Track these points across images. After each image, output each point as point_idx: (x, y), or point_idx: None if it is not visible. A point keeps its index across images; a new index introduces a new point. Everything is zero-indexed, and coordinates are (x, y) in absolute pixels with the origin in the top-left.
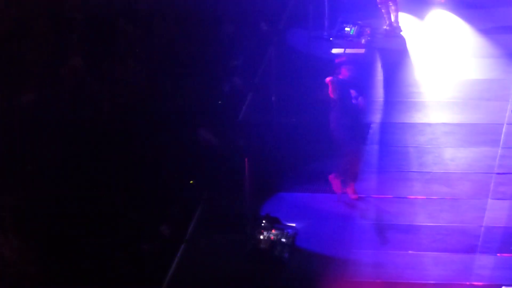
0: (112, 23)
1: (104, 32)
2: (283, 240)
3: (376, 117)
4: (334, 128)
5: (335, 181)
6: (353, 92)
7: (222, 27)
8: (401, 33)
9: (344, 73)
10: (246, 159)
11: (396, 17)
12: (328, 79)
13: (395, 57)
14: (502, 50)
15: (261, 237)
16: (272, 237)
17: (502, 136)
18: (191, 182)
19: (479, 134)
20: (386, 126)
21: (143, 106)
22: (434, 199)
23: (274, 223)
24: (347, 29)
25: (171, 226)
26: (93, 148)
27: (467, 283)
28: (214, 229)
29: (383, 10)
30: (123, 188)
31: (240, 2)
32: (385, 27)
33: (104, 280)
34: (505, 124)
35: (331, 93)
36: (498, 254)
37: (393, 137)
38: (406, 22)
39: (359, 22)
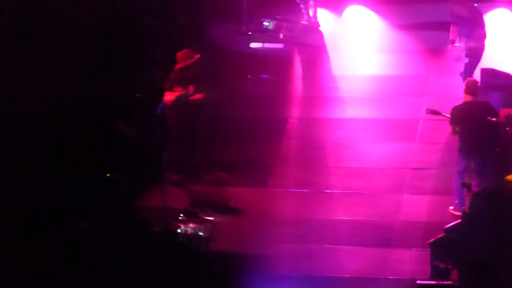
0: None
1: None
2: (201, 233)
3: (294, 112)
4: None
5: None
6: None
7: (140, 20)
8: (319, 28)
9: None
10: (163, 153)
11: (315, 12)
12: None
13: (313, 52)
14: (419, 46)
15: (179, 230)
16: (189, 230)
17: (418, 131)
18: (108, 175)
19: (395, 129)
20: (304, 121)
21: (57, 98)
22: (351, 193)
23: (192, 216)
24: (265, 23)
25: (86, 220)
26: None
27: (383, 277)
28: (131, 222)
29: (301, 5)
30: (35, 181)
31: None
32: (303, 22)
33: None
34: (420, 120)
35: None
36: (413, 249)
37: (311, 132)
38: (324, 17)
39: (278, 17)
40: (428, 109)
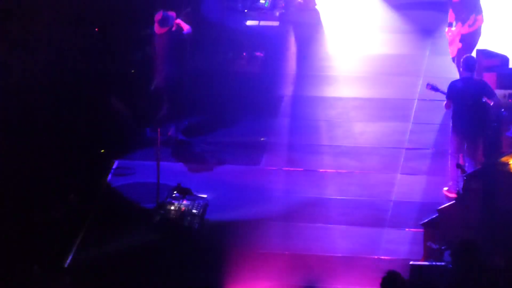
0: None
1: None
2: (194, 211)
3: (288, 90)
4: None
5: None
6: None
7: None
8: (315, 6)
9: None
10: (158, 129)
11: None
12: None
13: (308, 30)
14: (413, 26)
15: (172, 207)
16: (183, 208)
17: (413, 111)
18: (102, 151)
19: (390, 109)
20: (298, 100)
21: (51, 73)
22: (344, 172)
23: (186, 193)
24: (261, 1)
25: (78, 196)
26: None
27: (375, 257)
28: (124, 199)
29: None
30: (30, 155)
31: None
32: (299, 0)
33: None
34: (416, 100)
35: None
36: (406, 229)
37: (304, 111)
38: None
39: None
40: (428, 84)
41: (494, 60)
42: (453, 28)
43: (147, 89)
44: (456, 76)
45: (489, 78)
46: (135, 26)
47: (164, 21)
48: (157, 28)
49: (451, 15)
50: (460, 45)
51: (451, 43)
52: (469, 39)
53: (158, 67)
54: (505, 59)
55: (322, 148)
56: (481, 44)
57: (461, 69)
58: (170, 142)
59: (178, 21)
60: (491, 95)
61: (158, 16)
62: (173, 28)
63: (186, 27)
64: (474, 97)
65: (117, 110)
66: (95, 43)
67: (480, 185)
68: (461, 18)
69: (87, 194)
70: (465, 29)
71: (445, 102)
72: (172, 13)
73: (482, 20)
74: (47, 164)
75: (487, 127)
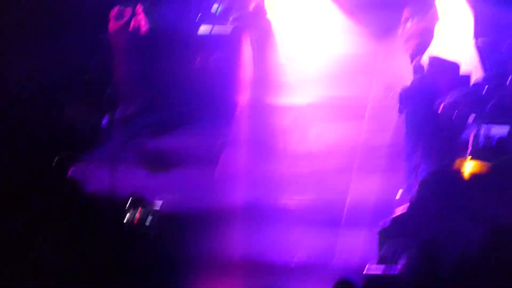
0: None
1: None
2: (150, 217)
3: (243, 96)
4: None
5: None
6: None
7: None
8: (267, 11)
9: None
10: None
11: None
12: None
13: (261, 36)
14: (368, 27)
15: (128, 214)
16: (138, 215)
17: (368, 110)
18: (56, 159)
19: (345, 108)
20: (253, 104)
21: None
22: (302, 174)
23: (141, 201)
24: (214, 7)
25: (31, 209)
26: None
27: (333, 259)
28: (80, 207)
29: None
30: None
31: None
32: (252, 5)
33: None
34: (370, 99)
35: None
36: (362, 232)
37: (260, 116)
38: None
39: (227, 1)
40: (384, 86)
41: (446, 66)
42: (409, 25)
43: (104, 93)
44: (408, 75)
45: (442, 83)
46: (89, 30)
47: (119, 15)
48: (112, 25)
49: (406, 13)
50: (416, 42)
51: (408, 40)
52: (425, 36)
53: (117, 69)
54: (456, 66)
55: (279, 151)
56: (434, 50)
57: (413, 72)
58: (128, 144)
59: (140, 17)
60: (441, 96)
61: (113, 11)
62: (130, 27)
63: (143, 26)
64: (427, 100)
65: (74, 115)
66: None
67: (435, 188)
68: (418, 15)
69: (46, 199)
70: (422, 25)
71: (398, 105)
72: (128, 9)
73: (437, 18)
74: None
75: (441, 129)
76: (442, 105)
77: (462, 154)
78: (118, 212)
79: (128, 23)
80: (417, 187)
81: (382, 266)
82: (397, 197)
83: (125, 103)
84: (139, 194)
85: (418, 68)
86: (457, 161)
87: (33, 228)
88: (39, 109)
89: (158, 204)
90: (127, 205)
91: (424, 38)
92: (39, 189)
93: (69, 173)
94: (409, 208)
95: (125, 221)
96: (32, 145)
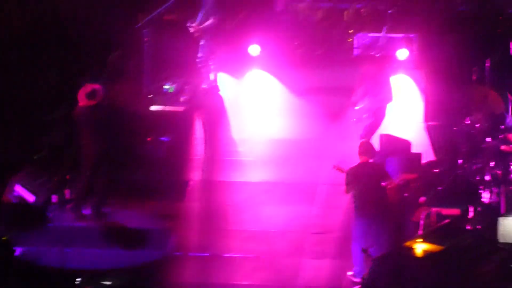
0: None
1: None
2: None
3: (194, 175)
4: None
5: None
6: None
7: None
8: (219, 92)
9: None
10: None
11: (215, 76)
12: None
13: (213, 115)
14: (318, 110)
15: None
16: None
17: (317, 195)
18: (4, 238)
19: (296, 192)
20: (204, 184)
21: None
22: (250, 257)
23: (91, 280)
24: (166, 86)
25: None
26: None
27: None
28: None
29: (202, 69)
30: None
31: None
32: (204, 85)
33: None
34: (320, 184)
35: None
36: None
37: (211, 195)
38: (225, 81)
39: (179, 80)
40: (334, 166)
41: (397, 145)
42: (359, 107)
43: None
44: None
45: (393, 163)
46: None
47: (93, 94)
48: (83, 101)
49: (357, 94)
50: (367, 122)
51: (358, 121)
52: (376, 116)
53: (85, 142)
54: (408, 144)
55: (229, 232)
56: (385, 129)
57: (359, 154)
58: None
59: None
60: (387, 178)
61: (86, 88)
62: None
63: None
64: (372, 181)
65: (20, 197)
66: None
67: (386, 269)
68: (369, 96)
69: None
70: (373, 106)
71: (345, 187)
72: (98, 86)
73: (391, 99)
74: None
75: (390, 211)
76: (391, 186)
77: (413, 235)
78: None
79: (99, 101)
80: (369, 268)
81: None
82: (348, 276)
83: (76, 185)
84: (90, 272)
85: (363, 147)
86: (408, 243)
87: None
88: None
89: (107, 284)
90: (76, 285)
91: (374, 119)
92: None
93: (17, 252)
94: None
95: None
96: None
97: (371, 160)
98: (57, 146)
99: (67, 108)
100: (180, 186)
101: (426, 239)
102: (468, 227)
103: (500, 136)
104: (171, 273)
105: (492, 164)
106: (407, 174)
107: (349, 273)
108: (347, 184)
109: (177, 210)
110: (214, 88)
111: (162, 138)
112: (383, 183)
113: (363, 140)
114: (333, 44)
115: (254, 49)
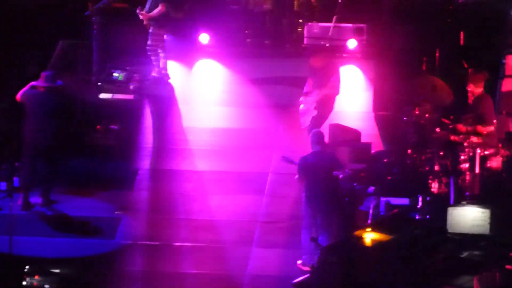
0: None
1: None
2: (47, 286)
3: (143, 164)
4: None
5: None
6: None
7: None
8: (169, 80)
9: None
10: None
11: (165, 64)
12: None
13: (163, 104)
14: (268, 100)
15: (24, 283)
16: (35, 283)
17: (267, 184)
18: None
19: (245, 182)
20: (153, 173)
21: None
22: (199, 246)
23: (39, 269)
24: (115, 74)
25: None
26: None
27: None
28: None
29: (152, 57)
30: None
31: None
32: (153, 74)
33: None
34: (270, 173)
35: None
36: None
37: (160, 184)
38: (174, 69)
39: (128, 68)
40: (283, 156)
41: (346, 134)
42: (309, 98)
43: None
44: (308, 150)
45: (342, 152)
46: None
47: (52, 78)
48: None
49: (308, 85)
50: (315, 113)
51: (304, 113)
52: (324, 107)
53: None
54: (357, 134)
55: (178, 221)
56: (334, 119)
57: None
58: (28, 211)
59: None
60: (340, 168)
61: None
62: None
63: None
64: (325, 171)
65: None
66: None
67: (335, 258)
68: (319, 87)
69: None
70: (322, 97)
71: (296, 176)
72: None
73: (338, 91)
74: None
75: (340, 200)
76: (341, 176)
77: (362, 225)
78: (15, 280)
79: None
80: (317, 257)
81: None
82: (298, 265)
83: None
84: (38, 260)
85: (315, 136)
86: (357, 232)
87: None
88: None
89: (56, 272)
90: (25, 273)
91: (323, 110)
92: None
93: None
94: (309, 277)
95: None
96: None
97: (323, 150)
98: (5, 133)
99: (13, 96)
100: (129, 174)
101: (375, 229)
102: (417, 217)
103: (449, 127)
104: (120, 262)
105: (441, 154)
106: (357, 164)
107: (299, 262)
108: (299, 173)
109: (126, 198)
110: (164, 76)
111: (111, 126)
112: (335, 172)
113: (315, 129)
114: (283, 34)
115: (204, 38)
